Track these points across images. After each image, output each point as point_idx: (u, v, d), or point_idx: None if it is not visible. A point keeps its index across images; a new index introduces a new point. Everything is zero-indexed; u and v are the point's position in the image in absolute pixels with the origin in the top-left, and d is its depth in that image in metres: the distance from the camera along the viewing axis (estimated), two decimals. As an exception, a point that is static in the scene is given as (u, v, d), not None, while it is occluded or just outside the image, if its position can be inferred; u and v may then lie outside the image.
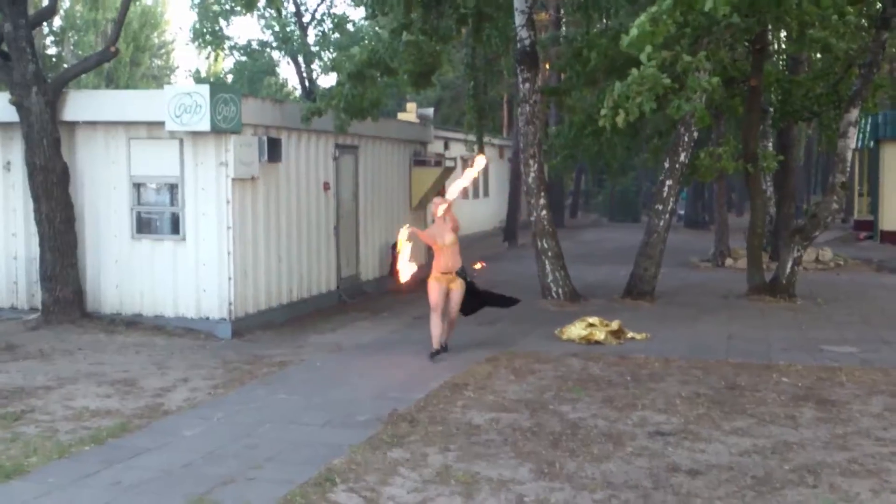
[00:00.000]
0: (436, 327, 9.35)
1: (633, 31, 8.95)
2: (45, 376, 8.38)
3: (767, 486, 5.48)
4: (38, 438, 6.37)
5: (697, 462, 5.93)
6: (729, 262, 18.80)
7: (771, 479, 5.58)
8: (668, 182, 13.57)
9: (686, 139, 13.42)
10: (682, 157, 13.47)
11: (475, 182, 18.69)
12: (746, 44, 14.71)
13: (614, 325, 10.43)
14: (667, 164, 13.70)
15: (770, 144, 18.60)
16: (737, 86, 14.99)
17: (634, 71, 9.46)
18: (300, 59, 29.60)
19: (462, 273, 9.48)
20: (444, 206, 9.36)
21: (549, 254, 13.62)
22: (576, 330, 10.38)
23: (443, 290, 9.34)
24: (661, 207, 13.69)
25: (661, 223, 13.64)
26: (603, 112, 9.94)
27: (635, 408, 7.29)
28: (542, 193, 13.75)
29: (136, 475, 5.62)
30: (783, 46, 19.19)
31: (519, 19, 13.55)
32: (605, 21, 15.94)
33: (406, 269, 9.52)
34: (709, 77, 10.62)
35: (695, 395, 7.73)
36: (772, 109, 17.31)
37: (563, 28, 23.30)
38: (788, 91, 16.29)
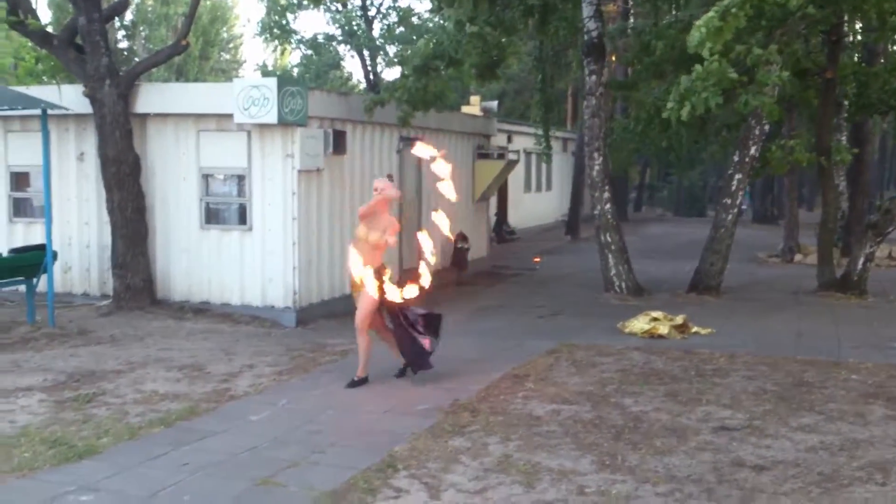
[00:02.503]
0: (360, 349, 7.77)
1: (701, 31, 8.74)
2: (116, 361, 8.63)
3: (835, 482, 5.34)
4: (109, 420, 6.56)
5: (763, 458, 5.80)
6: (798, 257, 18.34)
7: (838, 476, 5.43)
8: (738, 176, 13.28)
9: (757, 132, 13.11)
10: (752, 151, 13.16)
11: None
12: (821, 35, 14.30)
13: (679, 319, 10.27)
14: (736, 158, 13.41)
15: (844, 138, 18.04)
16: (811, 78, 14.57)
17: (698, 67, 9.28)
18: (365, 52, 29.86)
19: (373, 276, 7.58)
20: (390, 192, 7.85)
21: (613, 247, 13.47)
22: (639, 324, 10.25)
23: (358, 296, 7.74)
24: (729, 201, 13.41)
25: (729, 217, 13.37)
26: (669, 105, 9.79)
27: (699, 402, 7.16)
28: (607, 187, 13.61)
29: (204, 457, 5.75)
30: (859, 37, 18.58)
31: (586, 10, 13.41)
32: (674, 12, 15.67)
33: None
34: (780, 70, 10.34)
35: (761, 390, 7.56)
36: (846, 102, 16.79)
37: (631, 19, 22.96)
38: (864, 83, 15.77)
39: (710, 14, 8.63)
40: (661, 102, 11.94)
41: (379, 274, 7.55)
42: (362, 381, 7.72)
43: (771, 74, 10.12)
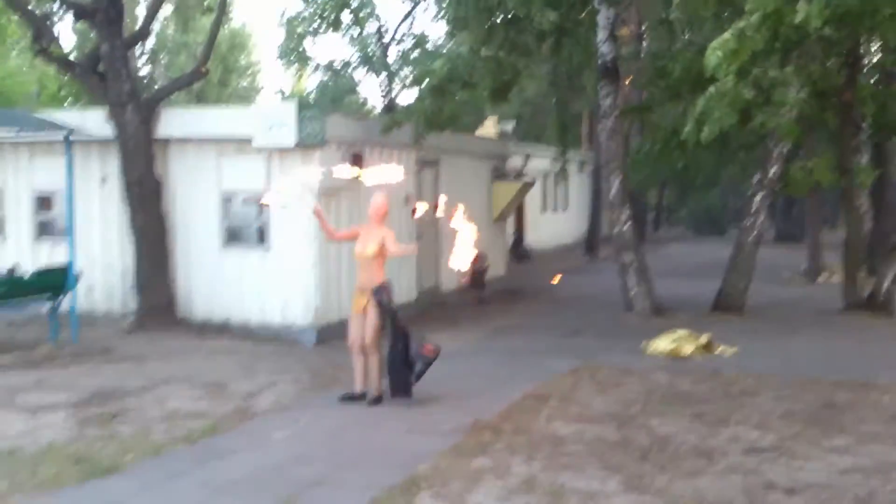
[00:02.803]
0: (356, 368, 7.74)
1: (717, 54, 8.71)
2: (139, 378, 8.63)
3: (870, 505, 5.23)
4: (132, 437, 6.56)
5: (795, 480, 5.69)
6: (822, 277, 18.14)
7: (873, 500, 5.33)
8: (758, 196, 13.20)
9: (776, 153, 13.05)
10: (772, 171, 13.10)
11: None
12: (838, 57, 14.23)
13: (703, 339, 10.17)
14: (756, 178, 13.34)
15: (865, 158, 17.90)
16: (828, 99, 14.49)
17: (711, 88, 9.25)
18: (381, 76, 30.05)
19: (379, 294, 7.52)
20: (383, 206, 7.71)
21: (633, 267, 13.40)
22: (662, 344, 10.16)
23: (357, 316, 7.62)
24: (750, 221, 13.34)
25: (751, 237, 13.30)
26: (687, 129, 9.76)
27: (727, 424, 7.06)
28: (626, 207, 13.57)
29: (227, 475, 5.72)
30: (875, 59, 18.47)
31: (601, 34, 13.45)
32: (686, 36, 15.66)
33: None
34: (797, 91, 10.29)
35: (790, 412, 7.45)
36: (865, 124, 16.67)
37: (645, 43, 23.00)
38: (883, 104, 15.66)
39: (726, 36, 8.60)
40: (678, 124, 11.91)
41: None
42: (380, 399, 7.62)
43: (787, 95, 10.08)
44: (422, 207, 8.42)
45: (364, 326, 7.57)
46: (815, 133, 17.57)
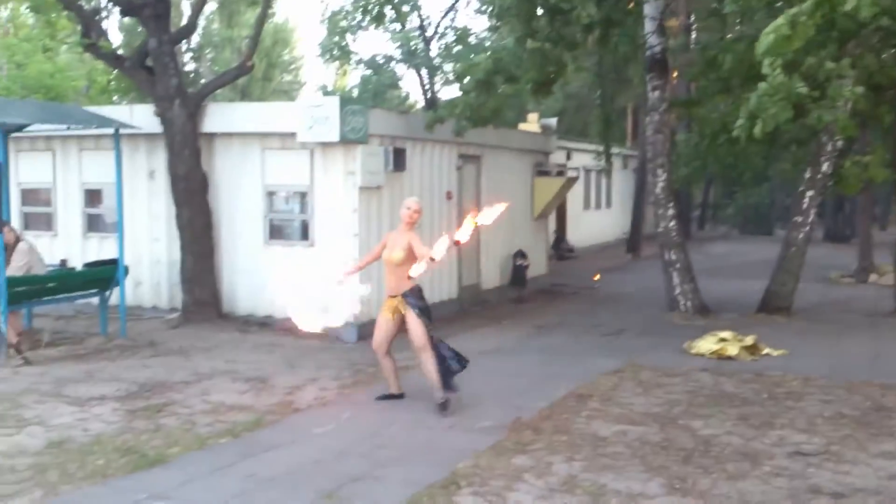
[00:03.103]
0: (385, 370, 7.74)
1: (769, 38, 8.55)
2: (185, 372, 8.78)
3: (921, 512, 5.10)
4: (178, 430, 6.66)
5: (842, 484, 5.57)
6: (873, 277, 17.73)
7: (924, 507, 5.20)
8: (809, 193, 12.93)
9: (829, 148, 12.77)
10: (824, 167, 12.82)
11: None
12: (894, 48, 13.87)
13: (749, 340, 10.00)
14: (808, 175, 13.07)
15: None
16: (884, 93, 14.14)
17: (762, 84, 9.06)
18: (423, 71, 30.07)
19: (412, 302, 7.40)
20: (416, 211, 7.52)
21: (677, 266, 13.24)
22: (706, 344, 10.02)
23: (387, 319, 7.57)
24: (800, 219, 13.07)
25: (801, 236, 13.03)
26: (738, 123, 9.58)
27: (773, 426, 6.94)
28: (671, 204, 13.40)
29: (270, 469, 5.78)
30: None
31: (649, 26, 13.29)
32: (738, 26, 15.39)
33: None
34: (853, 85, 10.05)
35: (838, 415, 7.30)
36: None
37: (695, 34, 22.67)
38: (940, 99, 15.23)
39: (780, 21, 8.43)
40: (728, 118, 11.72)
41: None
42: (448, 403, 7.29)
43: (843, 89, 9.84)
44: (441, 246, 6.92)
45: (390, 331, 7.50)
46: (868, 129, 17.18)
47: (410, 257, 7.21)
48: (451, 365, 7.41)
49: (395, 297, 7.46)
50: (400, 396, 7.70)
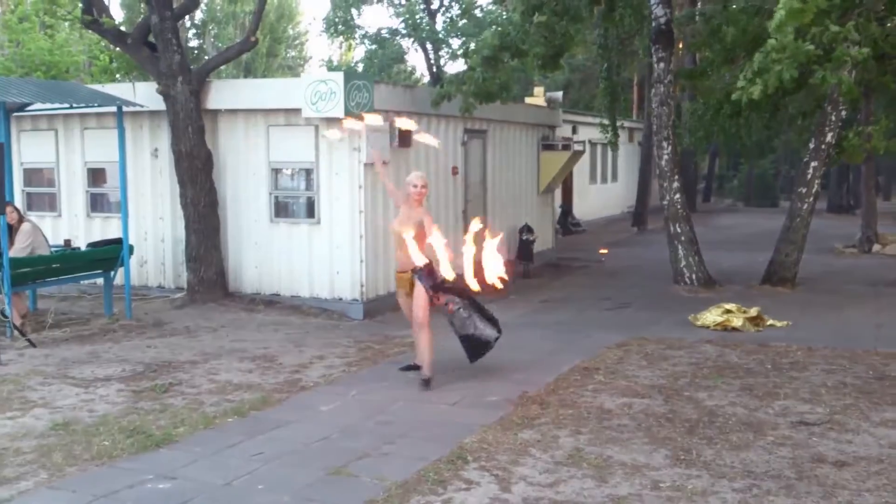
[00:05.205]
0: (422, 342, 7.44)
1: (781, 14, 8.50)
2: (191, 352, 8.82)
3: (923, 481, 5.13)
4: (185, 410, 6.70)
5: (844, 453, 5.61)
6: (876, 248, 17.72)
7: (926, 475, 5.22)
8: (813, 164, 12.87)
9: (833, 118, 12.69)
10: (828, 137, 12.74)
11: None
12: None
13: (753, 311, 10.02)
14: (812, 145, 13.00)
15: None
16: (889, 62, 14.02)
17: (771, 41, 8.99)
18: (428, 46, 29.90)
19: (422, 278, 7.29)
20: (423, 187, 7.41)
21: (683, 238, 13.23)
22: (711, 316, 10.04)
23: (405, 298, 7.54)
24: (804, 190, 13.02)
25: (805, 206, 12.98)
26: (740, 84, 9.51)
27: (777, 397, 6.97)
28: (676, 176, 13.36)
29: (277, 447, 5.83)
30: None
31: (654, -4, 13.15)
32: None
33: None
34: (858, 48, 9.97)
35: (841, 384, 7.32)
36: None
37: (699, 4, 22.47)
38: (946, 67, 15.09)
39: None
40: (731, 87, 11.64)
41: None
42: (428, 382, 7.35)
43: (849, 50, 9.75)
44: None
45: (411, 304, 7.42)
46: (872, 100, 17.06)
47: (421, 234, 7.14)
48: (481, 335, 7.41)
49: (404, 272, 7.40)
50: (418, 367, 7.59)
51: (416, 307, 7.33)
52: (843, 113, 12.89)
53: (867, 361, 8.16)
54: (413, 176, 7.58)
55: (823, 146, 12.77)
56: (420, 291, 7.28)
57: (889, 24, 14.10)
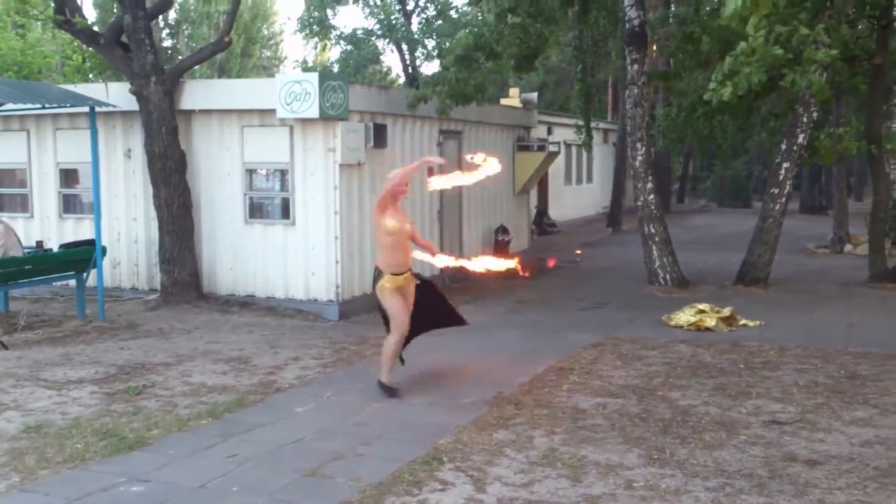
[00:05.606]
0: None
1: (736, 2, 8.55)
2: (165, 353, 8.75)
3: (891, 477, 5.20)
4: (158, 412, 6.65)
5: (816, 452, 5.68)
6: (848, 248, 17.96)
7: (895, 472, 5.29)
8: (786, 165, 13.01)
9: (805, 120, 12.84)
10: (800, 139, 12.89)
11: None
12: (869, 20, 13.95)
13: (726, 311, 10.11)
14: (784, 146, 13.15)
15: (895, 125, 17.60)
16: (859, 64, 14.23)
17: (742, 43, 9.10)
18: (404, 46, 29.88)
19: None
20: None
21: (657, 239, 13.33)
22: (685, 316, 10.12)
23: (401, 300, 7.18)
24: (776, 191, 13.16)
25: (777, 207, 13.12)
26: (711, 86, 9.62)
27: (749, 396, 7.04)
28: (650, 177, 13.46)
29: (252, 449, 5.80)
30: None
31: (628, -1, 13.25)
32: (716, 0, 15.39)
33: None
34: (827, 50, 10.10)
35: (812, 384, 7.41)
36: (896, 89, 16.38)
37: (673, 7, 22.66)
38: (916, 68, 15.36)
39: None
40: (703, 91, 11.77)
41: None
42: (393, 391, 7.12)
43: (818, 53, 9.88)
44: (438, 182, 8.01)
45: (411, 307, 7.20)
46: (844, 101, 17.29)
47: (413, 234, 7.23)
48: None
49: (401, 273, 7.10)
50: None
51: (405, 312, 7.11)
52: (815, 114, 13.05)
53: (839, 361, 8.27)
54: (394, 171, 7.43)
55: (795, 147, 12.92)
56: (418, 295, 7.20)
57: (860, 27, 14.33)
